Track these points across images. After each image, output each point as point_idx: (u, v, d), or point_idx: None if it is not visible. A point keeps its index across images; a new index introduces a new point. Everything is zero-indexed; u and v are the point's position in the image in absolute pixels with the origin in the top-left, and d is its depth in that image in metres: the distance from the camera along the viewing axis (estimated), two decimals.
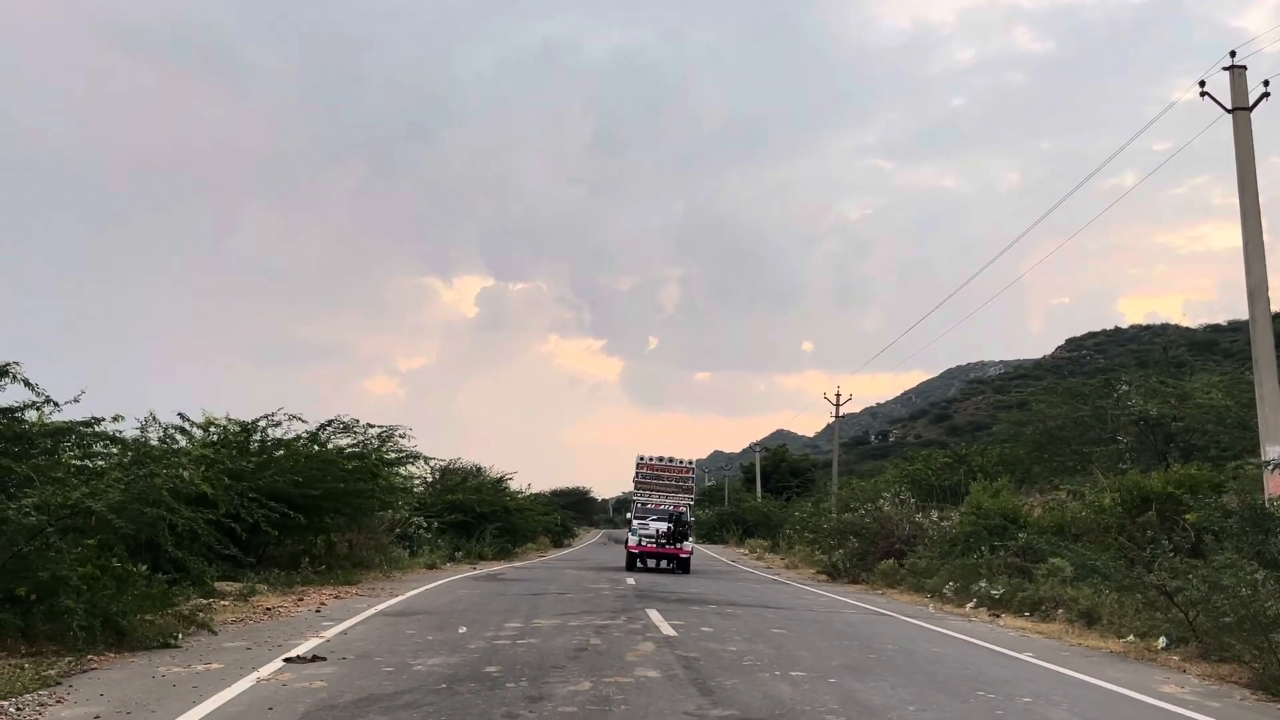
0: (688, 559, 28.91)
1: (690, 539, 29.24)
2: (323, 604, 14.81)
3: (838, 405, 54.27)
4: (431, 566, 26.82)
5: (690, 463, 30.93)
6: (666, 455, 30.28)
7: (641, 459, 30.09)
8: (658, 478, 29.64)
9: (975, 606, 18.36)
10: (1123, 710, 8.47)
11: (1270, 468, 12.87)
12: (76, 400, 11.97)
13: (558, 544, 57.77)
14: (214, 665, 8.89)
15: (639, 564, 29.06)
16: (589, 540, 74.13)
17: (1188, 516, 14.67)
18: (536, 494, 56.76)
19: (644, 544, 28.68)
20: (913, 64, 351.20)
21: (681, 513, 29.27)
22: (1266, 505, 10.82)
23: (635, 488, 30.16)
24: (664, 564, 29.29)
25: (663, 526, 28.56)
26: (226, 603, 13.52)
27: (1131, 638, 13.01)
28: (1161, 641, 12.42)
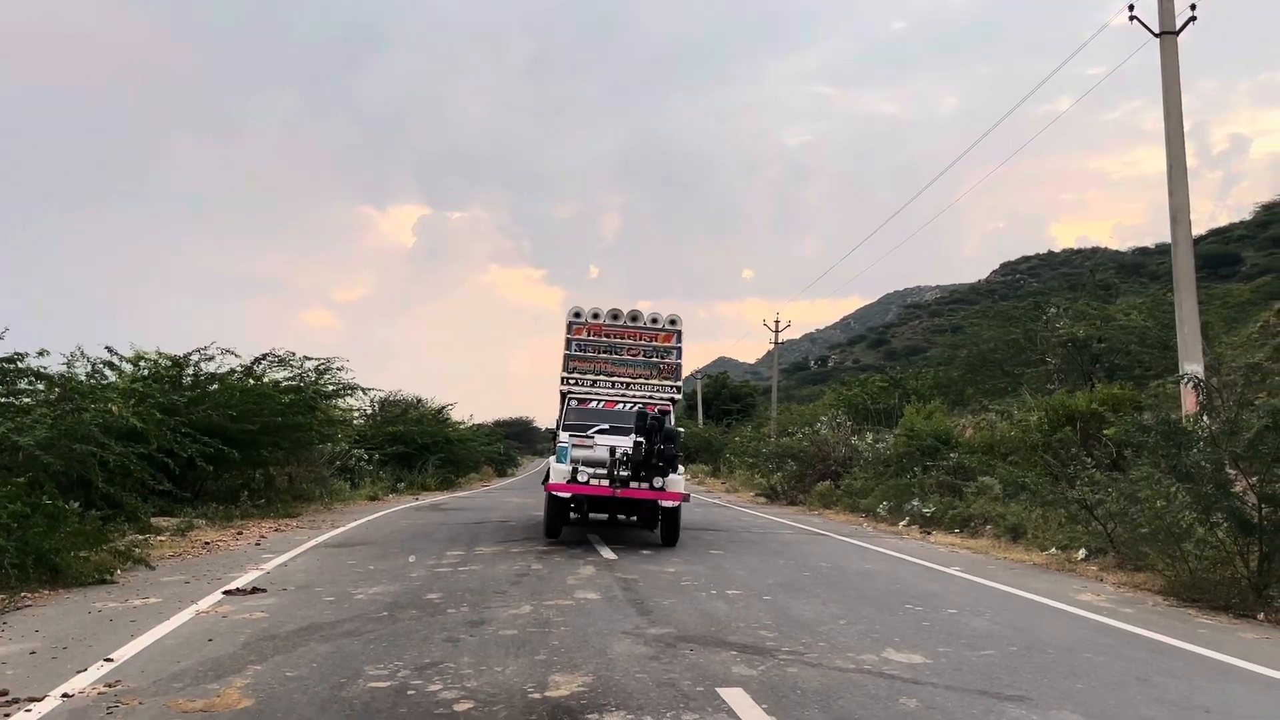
0: (676, 511, 14.17)
1: (680, 467, 14.31)
2: (262, 537, 14.76)
3: (777, 332, 54.78)
4: (373, 498, 26.81)
5: (672, 322, 16.39)
6: (625, 310, 16.27)
7: (579, 315, 16.09)
8: (611, 350, 16.06)
9: (908, 524, 18.91)
10: (1041, 618, 8.86)
11: (1186, 383, 13.33)
12: None
13: (501, 473, 58.08)
14: (151, 599, 8.86)
15: (572, 516, 14.81)
16: (532, 469, 74.50)
17: (1107, 432, 15.20)
18: (479, 425, 56.86)
19: (585, 480, 13.70)
20: None
21: (659, 417, 14.29)
22: (1182, 421, 11.22)
23: (566, 370, 15.94)
24: (625, 518, 15.59)
25: (621, 445, 13.97)
26: (163, 538, 13.40)
27: (1054, 550, 13.55)
28: (1081, 553, 12.97)
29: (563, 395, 15.83)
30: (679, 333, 16.38)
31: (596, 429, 14.83)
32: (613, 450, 13.86)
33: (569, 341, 16.03)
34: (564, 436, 14.63)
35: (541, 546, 13.62)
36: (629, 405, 15.43)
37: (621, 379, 15.99)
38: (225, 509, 17.19)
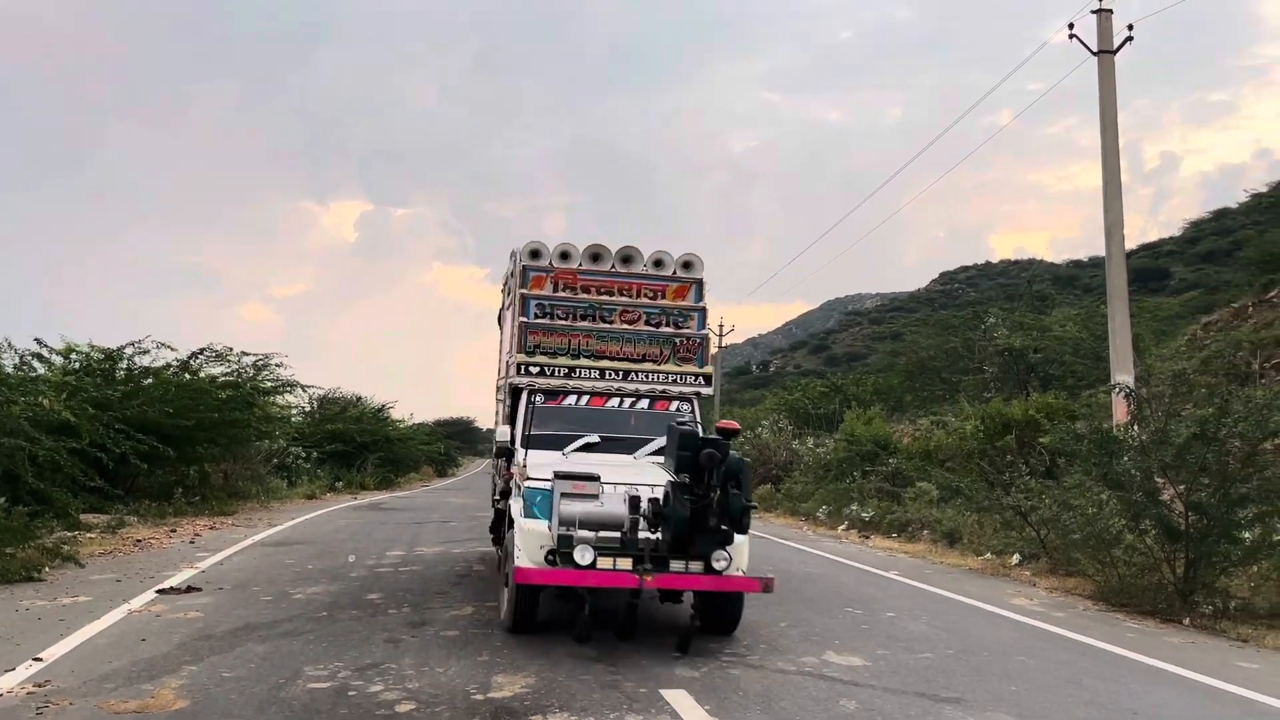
0: (739, 605, 7.61)
1: (748, 521, 7.11)
2: (197, 535, 14.48)
3: (720, 336, 55.07)
4: (311, 497, 26.42)
5: (687, 266, 9.77)
6: (614, 250, 9.73)
7: (537, 255, 9.61)
8: (595, 313, 9.59)
9: (847, 529, 19.13)
10: (977, 621, 9.03)
11: (1118, 392, 13.67)
12: None
13: (442, 473, 57.51)
14: (81, 598, 8.64)
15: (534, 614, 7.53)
16: (473, 469, 73.95)
17: (1041, 440, 15.53)
18: (419, 424, 56.17)
19: (589, 563, 6.77)
20: None
21: (721, 441, 6.87)
22: (1114, 430, 11.51)
23: (521, 347, 9.38)
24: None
25: (642, 484, 7.31)
26: (94, 535, 13.08)
27: (989, 555, 13.82)
28: (1015, 558, 13.23)
29: (514, 390, 9.49)
30: (699, 283, 9.88)
31: (579, 443, 8.93)
32: (635, 502, 7.06)
33: (525, 301, 9.56)
34: (532, 462, 8.01)
35: (483, 548, 13.52)
36: (629, 402, 9.53)
37: (615, 360, 9.54)
38: (158, 506, 16.83)
